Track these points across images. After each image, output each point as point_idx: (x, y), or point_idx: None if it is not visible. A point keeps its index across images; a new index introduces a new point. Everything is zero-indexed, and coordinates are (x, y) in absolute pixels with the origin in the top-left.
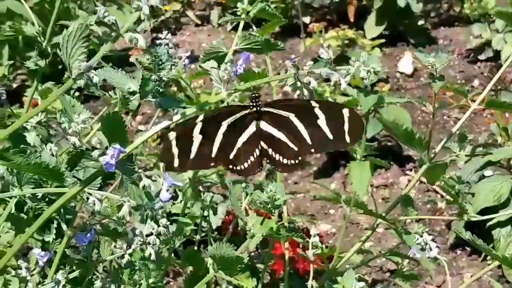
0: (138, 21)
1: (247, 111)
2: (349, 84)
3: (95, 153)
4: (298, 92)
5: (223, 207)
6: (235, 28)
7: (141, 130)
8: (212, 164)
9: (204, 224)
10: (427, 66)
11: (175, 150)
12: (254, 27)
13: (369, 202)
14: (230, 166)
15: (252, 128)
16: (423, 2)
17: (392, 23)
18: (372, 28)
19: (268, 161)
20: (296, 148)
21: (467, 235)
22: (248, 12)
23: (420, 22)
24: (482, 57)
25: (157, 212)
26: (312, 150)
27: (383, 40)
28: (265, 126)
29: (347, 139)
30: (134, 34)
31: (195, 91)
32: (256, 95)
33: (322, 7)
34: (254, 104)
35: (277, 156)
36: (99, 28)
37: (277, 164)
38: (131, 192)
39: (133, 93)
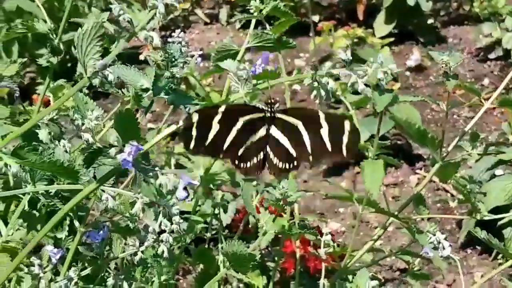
0: (150, 19)
1: (261, 115)
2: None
3: (113, 151)
4: (315, 92)
5: (233, 205)
6: (243, 27)
7: (152, 128)
8: (222, 155)
9: (214, 222)
10: (441, 64)
11: (194, 132)
12: (267, 25)
13: (380, 201)
14: (236, 162)
15: (262, 132)
16: (432, 1)
17: (401, 21)
18: (382, 26)
19: (267, 165)
20: (295, 154)
21: (482, 234)
22: (261, 10)
23: (430, 21)
24: (492, 56)
25: (171, 209)
26: (310, 158)
27: (392, 39)
28: (274, 131)
29: (344, 152)
30: (149, 33)
31: (205, 89)
32: (273, 101)
33: (331, 6)
34: (270, 109)
35: (275, 160)
36: (111, 26)
37: (272, 167)
38: (144, 189)
39: (146, 90)
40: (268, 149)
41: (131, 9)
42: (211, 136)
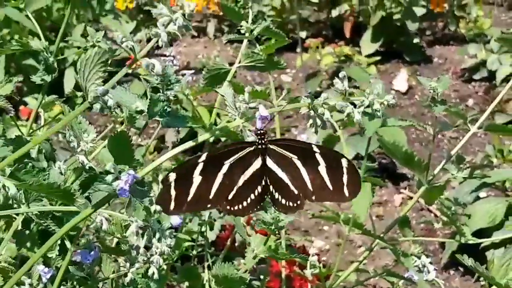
0: (135, 31)
1: (252, 148)
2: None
3: (109, 178)
4: (311, 121)
5: (218, 222)
6: (231, 41)
7: (141, 145)
8: (209, 205)
9: (200, 239)
10: (429, 90)
11: (172, 193)
12: (257, 45)
13: (366, 221)
14: (228, 207)
15: (257, 164)
16: (419, 21)
17: (387, 40)
18: (368, 44)
19: (269, 198)
20: (296, 192)
21: (469, 262)
22: (252, 31)
23: (416, 40)
24: (476, 76)
25: (165, 233)
26: (313, 198)
27: (378, 57)
28: (270, 163)
29: (346, 193)
30: (151, 60)
31: (193, 103)
32: (263, 131)
33: (319, 22)
34: (261, 141)
35: (276, 195)
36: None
37: (276, 204)
38: (138, 212)
39: (140, 112)
40: (268, 182)
41: (119, 20)
42: (193, 190)
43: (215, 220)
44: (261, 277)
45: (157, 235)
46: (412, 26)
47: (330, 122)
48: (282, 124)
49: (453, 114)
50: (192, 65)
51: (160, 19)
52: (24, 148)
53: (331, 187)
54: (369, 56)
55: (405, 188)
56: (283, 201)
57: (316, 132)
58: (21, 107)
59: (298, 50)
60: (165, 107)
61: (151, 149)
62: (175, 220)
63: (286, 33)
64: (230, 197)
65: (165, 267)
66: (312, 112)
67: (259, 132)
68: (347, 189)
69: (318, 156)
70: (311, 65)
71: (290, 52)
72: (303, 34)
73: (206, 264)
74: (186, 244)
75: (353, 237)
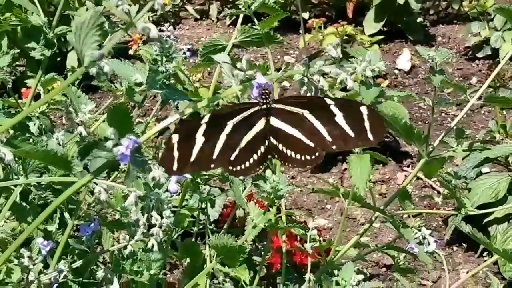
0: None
1: (256, 108)
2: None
3: (109, 144)
4: (304, 88)
5: (220, 200)
6: (233, 23)
7: (141, 122)
8: (212, 165)
9: (201, 216)
10: (428, 60)
11: (175, 154)
12: (255, 21)
13: (366, 197)
14: (230, 168)
15: (260, 125)
16: (422, 0)
17: (391, 20)
18: (371, 24)
19: (277, 156)
20: (312, 145)
21: (467, 228)
22: (249, 6)
23: (419, 20)
24: (480, 55)
25: (163, 203)
26: (334, 147)
27: (381, 37)
28: (275, 122)
29: (370, 137)
30: (147, 24)
31: (194, 84)
32: (267, 91)
33: (321, 3)
34: (265, 100)
35: (288, 152)
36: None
37: (289, 160)
38: (137, 182)
39: (139, 84)
40: (274, 141)
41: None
42: (196, 151)
43: (215, 197)
44: (262, 253)
45: (155, 205)
46: (415, 5)
47: (325, 89)
48: None
49: (452, 86)
50: (195, 48)
51: None
52: (20, 114)
53: (352, 134)
54: (372, 35)
55: (408, 166)
56: (298, 156)
57: None
58: (23, 89)
59: (301, 31)
60: (165, 79)
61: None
62: (173, 186)
63: (288, 14)
64: (232, 157)
65: (165, 241)
66: (306, 79)
67: (263, 92)
68: (371, 133)
69: (333, 108)
70: (314, 45)
71: (293, 33)
72: (305, 15)
73: (207, 240)
74: (187, 220)
75: (355, 215)
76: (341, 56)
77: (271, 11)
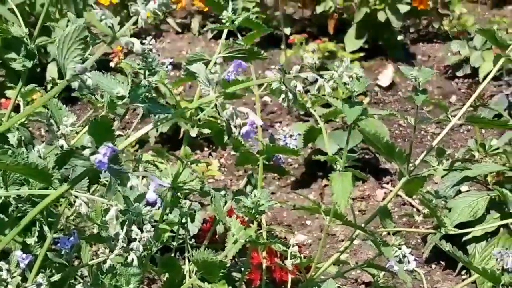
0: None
1: None
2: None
3: (87, 152)
4: (283, 95)
5: (200, 214)
6: (215, 37)
7: (121, 135)
8: None
9: (181, 231)
10: (411, 79)
11: None
12: (239, 36)
13: (347, 214)
14: None
15: None
16: (402, 18)
17: (371, 37)
18: (352, 41)
19: None
20: None
21: (447, 247)
22: (233, 21)
23: (400, 37)
24: (460, 73)
25: (144, 217)
26: None
27: (362, 54)
28: None
29: None
30: (131, 39)
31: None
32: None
33: (303, 19)
34: None
35: None
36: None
37: None
38: (118, 196)
39: (121, 97)
40: None
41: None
42: None
43: (195, 212)
44: (242, 269)
45: (136, 219)
46: (396, 23)
47: (312, 114)
48: (265, 119)
49: (434, 105)
50: (176, 61)
51: None
52: (2, 127)
53: None
54: (353, 52)
55: (387, 183)
56: None
57: (288, 106)
58: (2, 100)
59: (282, 46)
60: (147, 93)
61: (133, 142)
62: (151, 195)
63: (272, 29)
64: None
65: (145, 255)
66: (283, 87)
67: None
68: None
69: None
70: (295, 61)
71: (275, 48)
72: (287, 30)
73: (186, 255)
74: (167, 235)
75: (335, 232)
76: (317, 62)
77: (255, 26)
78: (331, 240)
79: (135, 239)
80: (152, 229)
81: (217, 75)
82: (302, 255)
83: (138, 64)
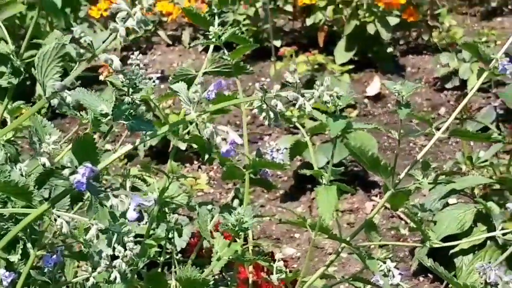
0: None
1: None
2: (317, 109)
3: (66, 172)
4: (264, 114)
5: (188, 229)
6: (206, 49)
7: (109, 150)
8: None
9: (168, 246)
10: (394, 93)
11: None
12: (225, 51)
13: (334, 227)
14: None
15: None
16: (392, 30)
17: (361, 49)
18: (342, 53)
19: None
20: None
21: (429, 262)
22: (219, 36)
23: (389, 50)
24: (449, 85)
25: (125, 236)
26: None
27: (352, 66)
28: None
29: None
30: (109, 56)
31: (164, 111)
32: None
33: (293, 31)
34: None
35: None
36: (72, 48)
37: None
38: (99, 214)
39: (105, 115)
40: None
41: (93, 29)
42: None
43: (182, 226)
44: (229, 284)
45: (117, 238)
46: (386, 36)
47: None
48: (255, 132)
49: (417, 118)
50: (167, 74)
51: (119, 13)
52: None
53: None
54: (343, 65)
55: (376, 196)
56: None
57: (269, 125)
58: None
59: (272, 58)
60: (131, 110)
61: (122, 156)
62: (131, 213)
63: (260, 41)
64: None
65: (129, 272)
66: (264, 106)
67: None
68: None
69: None
70: (285, 73)
71: (265, 61)
72: (277, 43)
73: (173, 270)
74: (154, 250)
75: (323, 245)
76: (298, 81)
77: (241, 41)
78: (320, 254)
79: (118, 257)
80: (135, 246)
81: (198, 94)
82: (288, 269)
83: (122, 82)
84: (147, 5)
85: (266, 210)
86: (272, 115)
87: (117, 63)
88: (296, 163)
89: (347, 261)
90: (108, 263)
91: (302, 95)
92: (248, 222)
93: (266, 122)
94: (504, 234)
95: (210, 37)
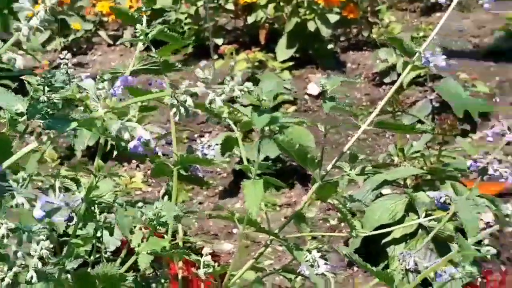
0: (48, 40)
1: None
2: (252, 105)
3: None
4: (174, 109)
5: None
6: (147, 49)
7: (37, 151)
8: None
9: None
10: (320, 87)
11: None
12: (153, 48)
13: (263, 220)
14: None
15: None
16: (332, 27)
17: (302, 46)
18: (283, 51)
19: None
20: None
21: (344, 251)
22: (147, 34)
23: (330, 46)
24: (387, 80)
25: (37, 235)
26: None
27: (292, 63)
28: None
29: None
30: (12, 55)
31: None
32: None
33: (235, 30)
34: None
35: None
36: None
37: None
38: (8, 214)
39: (21, 114)
40: None
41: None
42: None
43: (112, 225)
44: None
45: (27, 237)
46: (326, 33)
47: (194, 110)
48: (194, 130)
49: (341, 111)
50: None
51: (22, 13)
52: None
53: None
54: (284, 62)
55: None
56: None
57: (180, 120)
58: None
59: (214, 57)
60: (48, 109)
61: (54, 156)
62: (37, 212)
63: (202, 40)
64: None
65: (56, 272)
66: (175, 101)
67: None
68: None
69: None
70: (225, 71)
71: (206, 59)
72: (219, 41)
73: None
74: (83, 249)
75: (260, 239)
76: (210, 77)
77: (170, 39)
78: (256, 248)
79: (33, 256)
80: (51, 245)
81: (104, 91)
82: (216, 264)
83: (37, 80)
84: (50, 4)
85: (204, 207)
86: (183, 110)
87: (20, 62)
88: (235, 159)
89: (283, 254)
90: (23, 262)
91: (213, 91)
92: (165, 216)
93: (177, 118)
94: (429, 221)
95: (137, 34)
